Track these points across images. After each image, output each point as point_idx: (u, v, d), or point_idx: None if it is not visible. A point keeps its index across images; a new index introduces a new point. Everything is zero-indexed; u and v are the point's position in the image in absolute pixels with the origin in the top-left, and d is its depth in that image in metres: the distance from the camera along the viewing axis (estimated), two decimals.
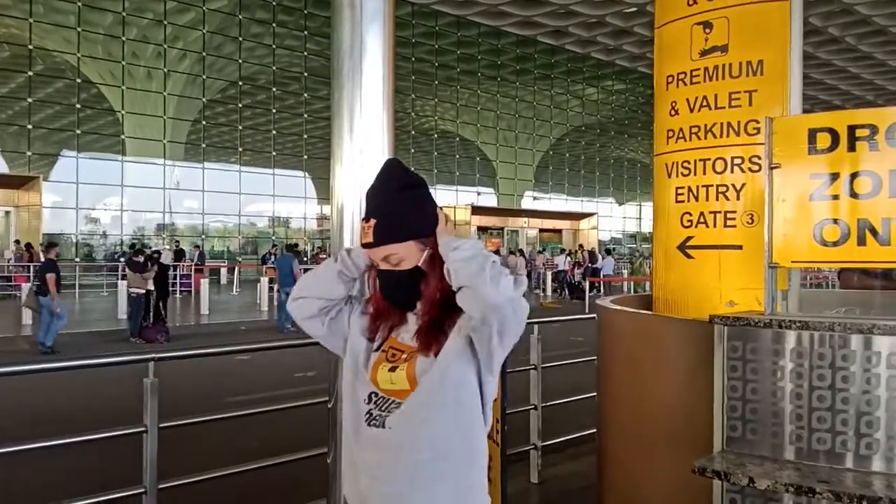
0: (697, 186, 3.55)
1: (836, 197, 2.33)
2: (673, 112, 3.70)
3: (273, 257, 24.30)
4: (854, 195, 2.29)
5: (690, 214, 3.57)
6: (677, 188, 3.63)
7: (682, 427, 2.63)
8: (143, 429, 2.94)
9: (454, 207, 31.26)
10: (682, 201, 3.61)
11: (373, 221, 1.53)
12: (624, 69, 34.22)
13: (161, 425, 2.97)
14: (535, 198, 35.47)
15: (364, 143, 2.35)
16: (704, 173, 3.52)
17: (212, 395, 7.22)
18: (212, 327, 13.49)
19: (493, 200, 33.68)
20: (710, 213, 3.49)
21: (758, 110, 3.33)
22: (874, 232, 2.24)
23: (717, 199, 3.46)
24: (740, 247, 3.38)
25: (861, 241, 2.26)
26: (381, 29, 2.44)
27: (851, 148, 2.29)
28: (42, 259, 13.20)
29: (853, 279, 4.41)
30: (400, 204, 1.57)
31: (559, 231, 35.85)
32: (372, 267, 1.62)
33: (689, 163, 3.60)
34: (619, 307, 3.56)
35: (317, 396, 3.96)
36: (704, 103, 3.54)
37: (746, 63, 3.44)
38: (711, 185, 3.49)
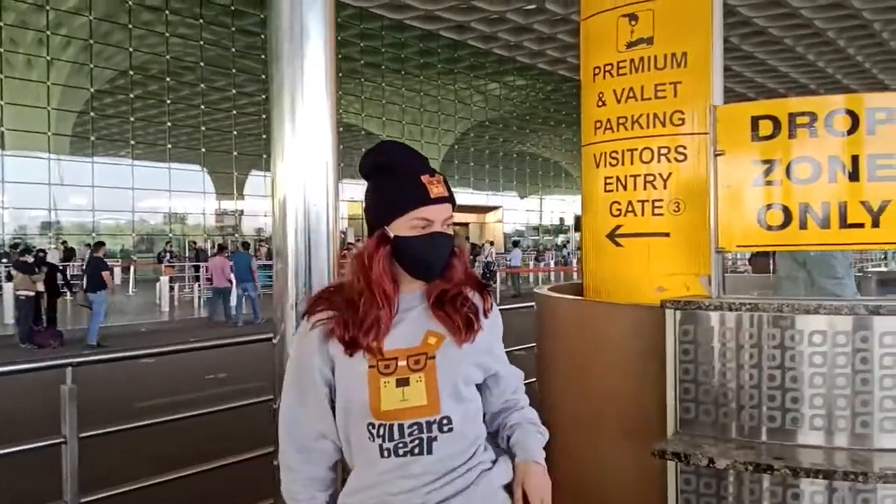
0: (625, 176, 3.61)
1: (777, 182, 2.41)
2: (600, 103, 3.74)
3: (169, 255, 23.27)
4: (794, 180, 2.38)
5: (619, 203, 3.62)
6: (606, 178, 3.68)
7: (633, 413, 2.66)
8: (62, 439, 2.71)
9: (361, 202, 30.99)
10: (611, 191, 3.66)
11: (440, 177, 1.49)
12: (525, 65, 34.90)
13: (81, 435, 2.74)
14: None
15: (307, 131, 2.22)
16: (632, 163, 3.58)
17: (122, 400, 6.83)
18: (110, 329, 12.71)
19: None
20: (638, 202, 3.55)
21: (682, 101, 3.42)
22: (814, 215, 2.34)
23: (644, 189, 3.53)
24: (668, 234, 3.45)
25: (802, 225, 2.36)
26: (323, 8, 2.32)
27: (792, 135, 2.38)
28: None
29: (765, 264, 4.65)
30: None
31: (466, 224, 36.25)
32: (383, 242, 1.48)
33: (616, 153, 3.65)
34: (559, 295, 3.58)
35: (232, 399, 3.79)
36: (631, 94, 3.60)
37: (671, 55, 3.52)
38: (639, 175, 3.56)
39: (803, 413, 2.21)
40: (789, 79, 35.69)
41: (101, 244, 13.16)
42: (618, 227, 3.64)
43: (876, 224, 2.26)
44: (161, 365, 8.66)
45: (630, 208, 3.57)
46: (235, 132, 27.96)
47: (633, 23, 3.67)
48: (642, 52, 3.58)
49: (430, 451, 1.42)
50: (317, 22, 2.29)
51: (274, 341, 2.26)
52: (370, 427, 1.43)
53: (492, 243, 27.59)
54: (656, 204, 3.50)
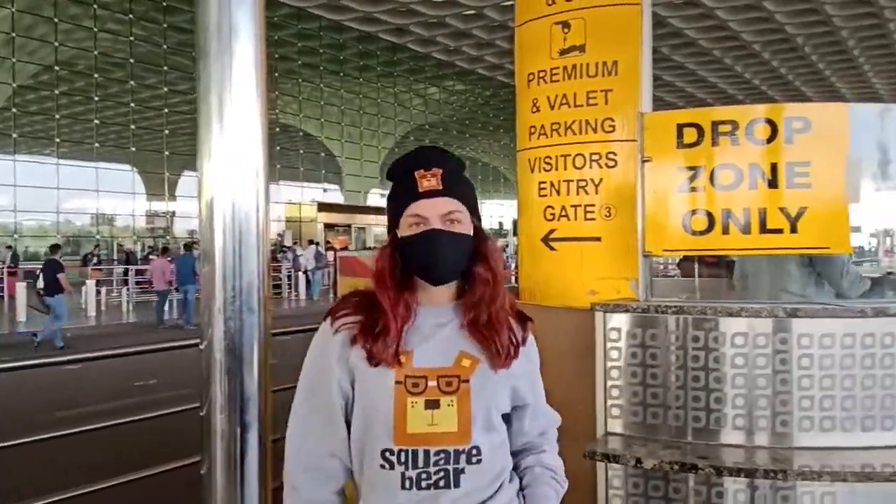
0: (559, 181, 3.66)
1: (701, 188, 2.48)
2: (534, 109, 3.78)
3: (96, 258, 22.47)
4: (717, 186, 2.45)
5: (553, 208, 3.67)
6: (540, 183, 3.72)
7: (566, 415, 2.68)
8: None
9: (300, 204, 30.53)
10: (545, 195, 3.71)
11: (436, 170, 1.36)
12: (464, 70, 35.11)
13: None
14: (381, 194, 35.51)
15: (236, 131, 2.16)
16: (565, 168, 3.63)
17: (44, 408, 6.52)
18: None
19: (340, 197, 33.31)
20: (571, 206, 3.60)
21: (613, 109, 3.48)
22: (735, 221, 2.42)
23: (577, 194, 3.59)
24: (599, 238, 3.50)
25: (725, 230, 2.43)
26: (252, 6, 2.26)
27: (715, 142, 2.46)
28: None
29: (692, 268, 4.78)
30: (459, 170, 1.43)
31: None
32: (388, 247, 1.41)
33: (550, 158, 3.70)
34: None
35: (160, 407, 3.67)
36: (564, 101, 3.65)
37: (602, 63, 3.58)
38: (572, 180, 3.61)
39: (726, 413, 2.28)
40: (717, 89, 37.01)
41: (57, 247, 13.15)
42: (552, 231, 3.69)
43: (794, 230, 2.36)
44: (88, 372, 8.33)
45: (564, 213, 3.63)
46: (167, 131, 27.18)
47: (565, 30, 3.73)
48: (575, 59, 3.64)
49: (457, 485, 1.31)
50: (246, 20, 2.23)
51: (201, 347, 2.19)
52: (389, 453, 1.31)
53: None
54: (588, 209, 3.56)
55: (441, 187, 1.35)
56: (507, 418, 1.43)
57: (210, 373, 2.17)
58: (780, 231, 2.36)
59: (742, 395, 2.30)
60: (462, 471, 1.30)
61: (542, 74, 3.77)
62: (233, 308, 2.15)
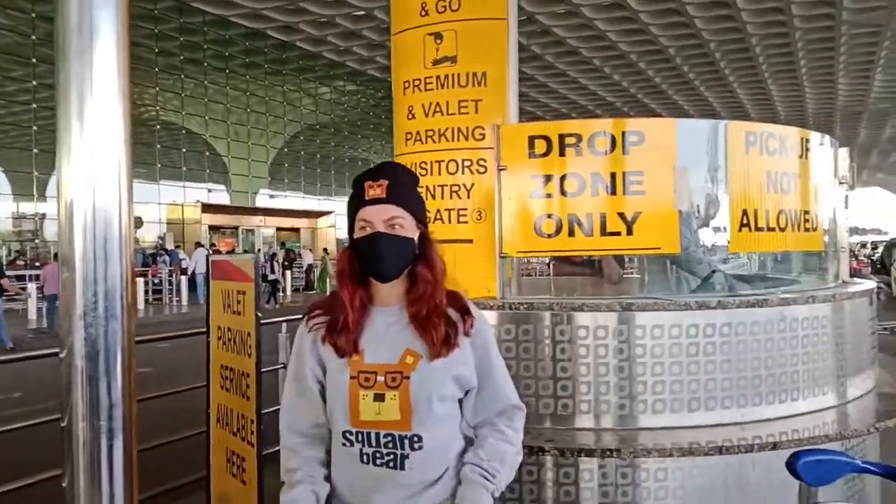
0: (434, 186, 3.82)
1: (550, 195, 2.70)
2: (410, 116, 3.92)
3: None
4: (565, 193, 2.68)
5: (428, 211, 3.80)
6: None
7: None
8: None
9: (182, 205, 29.35)
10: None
11: (383, 181, 1.55)
12: (355, 71, 34.93)
13: None
14: (270, 196, 34.76)
15: (97, 131, 2.16)
16: (439, 174, 3.80)
17: None
18: None
19: (226, 198, 32.28)
20: (445, 210, 3.77)
21: (483, 118, 3.67)
22: (580, 224, 2.66)
23: (450, 198, 3.76)
24: (471, 241, 3.67)
25: (571, 233, 2.67)
26: (114, 4, 2.25)
27: (562, 153, 2.68)
28: None
29: (563, 268, 5.08)
30: (407, 184, 1.63)
31: (297, 230, 35.57)
32: (348, 249, 1.61)
33: (426, 164, 3.85)
34: None
35: (28, 419, 3.52)
36: (437, 109, 3.81)
37: (472, 74, 3.77)
38: (445, 185, 3.78)
39: (575, 400, 2.50)
40: (598, 96, 38.76)
41: None
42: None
43: (630, 232, 2.62)
44: None
45: (438, 216, 3.80)
46: (35, 127, 25.38)
47: (438, 41, 3.90)
48: (447, 69, 3.81)
49: (402, 468, 1.54)
50: (108, 17, 2.22)
51: (61, 356, 2.17)
52: (348, 434, 1.56)
53: (322, 249, 27.30)
54: (461, 212, 3.74)
55: (385, 196, 1.55)
56: (462, 401, 1.64)
57: (71, 381, 2.15)
58: (618, 234, 2.61)
59: (588, 383, 2.54)
60: (406, 456, 1.53)
61: (416, 83, 3.93)
62: (94, 314, 2.14)
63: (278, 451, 5.11)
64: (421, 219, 1.63)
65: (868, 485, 2.93)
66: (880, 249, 27.34)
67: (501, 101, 3.83)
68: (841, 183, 3.37)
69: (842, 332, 2.88)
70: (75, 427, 2.18)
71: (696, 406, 2.51)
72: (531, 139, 2.76)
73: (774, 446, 2.21)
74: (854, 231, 54.91)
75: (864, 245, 31.09)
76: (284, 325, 4.78)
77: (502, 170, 2.81)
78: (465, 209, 3.75)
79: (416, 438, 1.53)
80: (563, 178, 2.69)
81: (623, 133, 2.67)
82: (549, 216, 2.71)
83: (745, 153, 2.72)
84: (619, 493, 2.44)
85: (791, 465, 1.59)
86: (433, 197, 3.81)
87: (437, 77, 3.85)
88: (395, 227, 1.55)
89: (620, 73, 34.53)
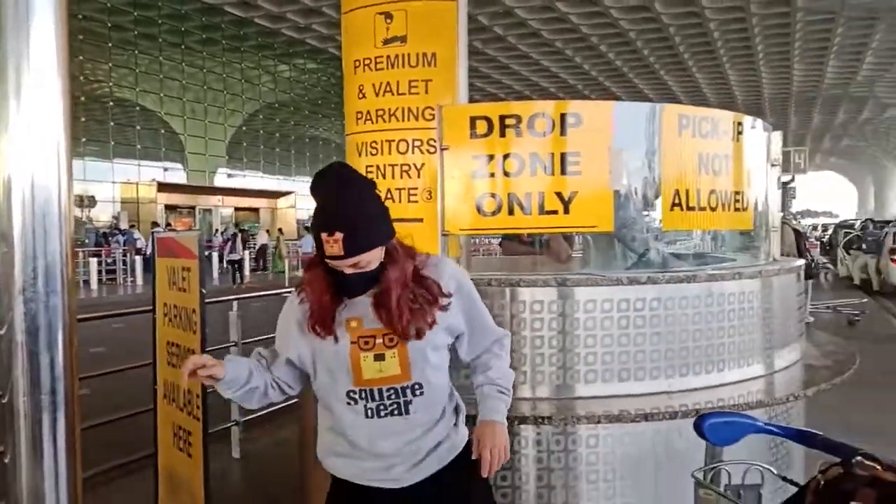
0: (384, 165, 3.86)
1: (492, 175, 2.77)
2: (361, 95, 3.95)
3: None
4: (505, 173, 2.76)
5: (379, 190, 3.86)
6: (367, 166, 3.90)
7: None
8: None
9: (137, 184, 28.75)
10: (372, 178, 3.90)
11: (339, 235, 1.60)
12: (315, 49, 34.42)
13: None
14: (229, 175, 34.23)
15: (34, 108, 2.16)
16: (390, 153, 3.84)
17: None
18: None
19: (183, 177, 31.69)
20: (396, 189, 3.82)
21: (433, 98, 3.71)
22: (520, 204, 2.74)
23: (401, 177, 3.81)
24: (421, 220, 3.72)
25: (511, 212, 2.74)
26: None
27: (502, 134, 2.75)
28: None
29: (515, 247, 5.20)
30: (364, 215, 1.67)
31: (256, 210, 35.13)
32: (309, 269, 1.75)
33: (376, 143, 3.89)
34: None
35: None
36: (388, 89, 3.84)
37: (423, 54, 3.81)
38: (396, 165, 3.82)
39: (520, 370, 2.60)
40: (560, 79, 38.97)
41: None
42: None
43: (567, 211, 2.71)
44: None
45: (389, 195, 3.84)
46: None
47: (388, 21, 3.93)
48: (397, 49, 3.84)
49: (407, 412, 1.72)
50: None
51: (1, 332, 2.18)
52: (352, 393, 1.71)
53: (275, 231, 27.00)
54: (412, 192, 3.80)
55: (343, 253, 1.62)
56: (454, 344, 1.85)
57: (11, 357, 2.17)
58: (555, 212, 2.70)
59: (525, 355, 2.64)
60: (410, 402, 1.72)
61: (367, 62, 3.95)
62: (34, 290, 2.16)
63: (224, 427, 5.17)
64: (386, 236, 1.72)
65: (792, 449, 3.10)
66: (830, 232, 28.21)
67: (451, 81, 3.88)
68: (773, 165, 3.52)
69: (769, 306, 3.02)
70: (16, 402, 2.21)
71: (626, 376, 2.63)
72: (472, 120, 2.82)
73: (697, 413, 2.34)
74: (807, 214, 56.40)
75: (815, 227, 32.06)
76: (235, 303, 4.79)
77: (445, 149, 2.87)
78: (416, 188, 3.80)
79: (416, 386, 1.72)
80: (504, 158, 2.76)
81: (562, 115, 2.75)
82: (492, 195, 2.79)
83: (678, 135, 2.83)
84: (553, 459, 2.55)
85: (698, 427, 1.70)
86: (383, 177, 3.85)
87: (388, 57, 3.87)
88: (360, 269, 1.67)
89: (582, 56, 34.73)
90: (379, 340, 1.70)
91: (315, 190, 1.72)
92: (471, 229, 2.92)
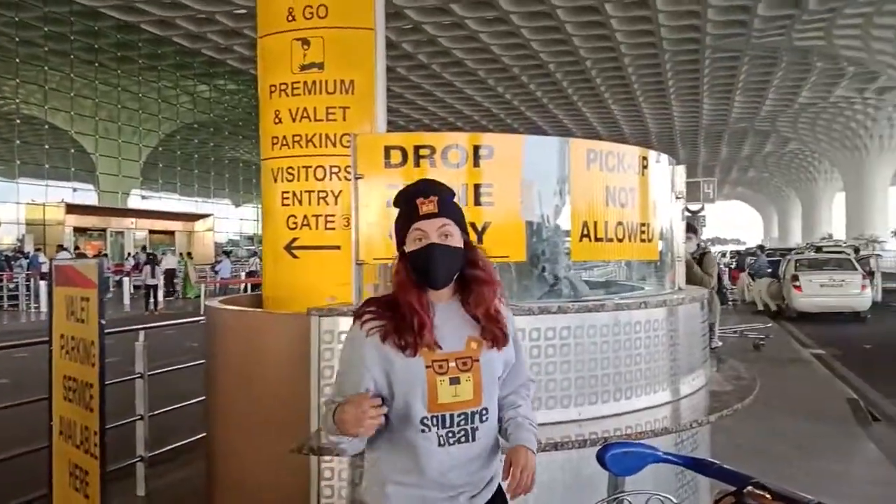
0: (301, 191, 3.81)
1: None
2: (277, 120, 3.90)
3: None
4: None
5: (295, 217, 3.81)
6: (283, 192, 3.85)
7: (289, 413, 2.84)
8: None
9: (43, 205, 27.36)
10: (288, 205, 3.84)
11: (434, 197, 1.71)
12: (236, 70, 33.90)
13: None
14: (143, 196, 33.02)
15: None
16: (307, 179, 3.80)
17: None
18: None
19: (94, 198, 30.36)
20: (313, 216, 3.78)
21: (350, 125, 3.71)
22: None
23: (318, 204, 3.77)
24: (339, 247, 3.69)
25: None
26: None
27: (417, 164, 2.77)
28: None
29: None
30: (453, 199, 1.78)
31: (172, 233, 33.97)
32: (402, 259, 1.73)
33: (293, 169, 3.84)
34: (228, 307, 3.65)
35: None
36: (305, 114, 3.81)
37: (340, 81, 3.80)
38: (313, 191, 3.79)
39: None
40: (483, 107, 39.74)
41: None
42: (294, 239, 3.83)
43: (480, 241, 2.73)
44: None
45: (306, 222, 3.79)
46: None
47: (305, 47, 3.90)
48: (315, 75, 3.82)
49: (474, 439, 1.73)
50: None
51: None
52: (425, 420, 1.69)
53: (183, 254, 26.13)
54: (329, 219, 3.76)
55: (437, 210, 1.71)
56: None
57: None
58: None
59: None
60: (476, 428, 1.74)
61: (283, 87, 3.91)
62: None
63: (128, 464, 4.90)
64: (465, 230, 1.79)
65: (699, 476, 3.19)
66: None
67: (369, 109, 3.89)
68: (678, 198, 3.67)
69: (674, 334, 3.13)
70: None
71: (537, 405, 2.64)
72: (387, 149, 2.82)
73: (605, 441, 2.38)
74: (717, 241, 59.04)
75: (724, 254, 33.67)
76: (142, 333, 4.59)
77: (359, 178, 2.86)
78: (333, 216, 3.77)
79: (484, 411, 1.75)
80: None
81: (475, 147, 2.79)
82: None
83: (586, 169, 2.91)
84: None
85: (600, 458, 1.73)
86: (300, 203, 3.81)
87: (305, 83, 3.85)
88: (446, 237, 1.71)
89: (504, 87, 35.58)
90: (452, 364, 1.72)
91: (402, 193, 1.80)
92: (386, 258, 2.90)
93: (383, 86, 3.99)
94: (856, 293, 15.70)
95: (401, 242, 1.75)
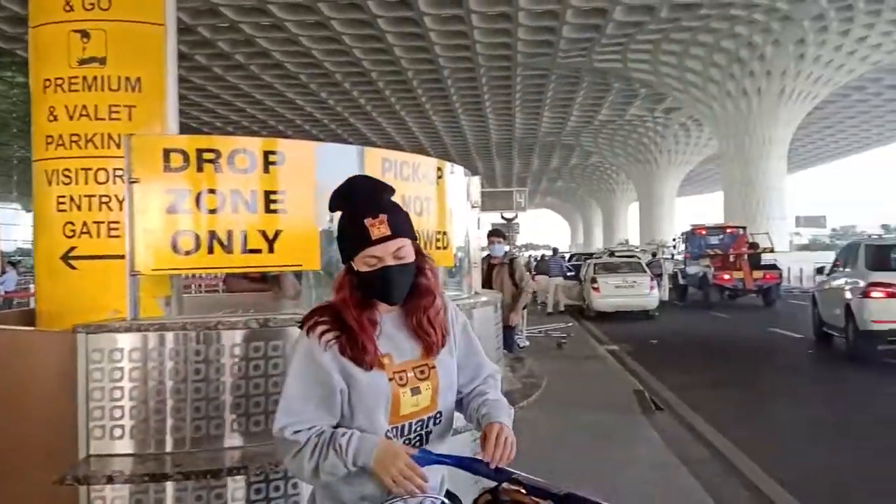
0: (80, 196, 3.51)
1: (188, 211, 2.63)
2: (52, 117, 3.58)
3: None
4: (203, 210, 2.62)
5: (73, 224, 3.51)
6: (59, 197, 3.54)
7: (54, 440, 2.56)
8: None
9: None
10: (65, 210, 3.53)
11: (383, 216, 1.62)
12: (26, 60, 30.53)
13: None
14: None
15: None
16: (87, 183, 3.51)
17: None
18: None
19: None
20: (94, 223, 3.49)
21: (137, 125, 3.46)
22: (221, 242, 2.62)
23: (100, 210, 3.49)
24: (124, 256, 3.43)
25: (210, 250, 2.61)
26: None
27: (200, 168, 2.63)
28: None
29: (239, 283, 4.98)
30: (398, 207, 1.70)
31: None
32: (352, 274, 1.66)
33: (70, 171, 3.54)
34: None
35: None
36: (84, 112, 3.53)
37: (125, 78, 3.55)
38: (94, 196, 3.50)
39: (224, 418, 2.44)
40: (305, 112, 39.10)
41: None
42: (72, 248, 3.50)
43: (272, 250, 2.66)
44: None
45: (85, 229, 3.47)
46: None
47: (85, 40, 3.59)
48: (96, 71, 3.53)
49: (427, 442, 1.72)
50: None
51: None
52: (388, 434, 1.66)
53: None
54: (112, 226, 3.47)
55: (390, 233, 1.63)
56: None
57: None
58: (259, 251, 2.64)
59: (227, 401, 2.50)
60: (430, 432, 1.73)
61: (59, 82, 3.58)
62: None
63: None
64: (414, 237, 1.73)
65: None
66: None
67: (159, 109, 3.65)
68: (473, 207, 3.82)
69: None
70: None
71: None
72: (166, 152, 2.65)
73: None
74: (530, 246, 62.77)
75: (533, 259, 35.84)
76: None
77: (134, 182, 2.66)
78: (118, 222, 3.47)
79: (438, 415, 1.74)
80: (202, 194, 2.63)
81: (265, 153, 2.70)
82: (186, 232, 2.63)
83: (381, 177, 2.93)
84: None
85: None
86: (79, 208, 3.49)
87: (84, 78, 3.55)
88: (401, 258, 1.65)
89: (327, 92, 35.23)
90: (410, 374, 1.70)
91: (341, 199, 1.70)
92: (164, 269, 2.73)
93: (174, 85, 3.77)
94: (645, 293, 17.36)
95: (347, 258, 1.68)
